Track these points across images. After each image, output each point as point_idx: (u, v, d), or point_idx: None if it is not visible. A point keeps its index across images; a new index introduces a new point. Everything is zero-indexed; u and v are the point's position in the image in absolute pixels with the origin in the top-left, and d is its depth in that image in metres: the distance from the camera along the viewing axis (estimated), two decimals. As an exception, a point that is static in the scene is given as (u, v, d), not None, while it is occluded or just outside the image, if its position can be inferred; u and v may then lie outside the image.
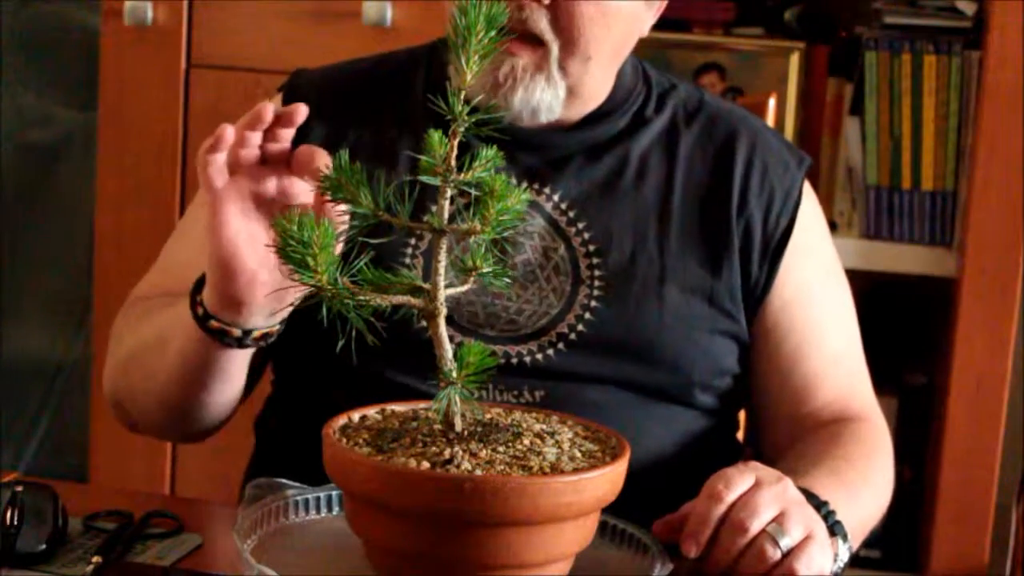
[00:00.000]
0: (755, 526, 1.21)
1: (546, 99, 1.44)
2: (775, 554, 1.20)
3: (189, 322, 1.34)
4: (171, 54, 2.47)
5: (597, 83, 1.50)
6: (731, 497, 1.22)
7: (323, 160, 1.28)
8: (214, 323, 1.33)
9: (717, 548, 1.21)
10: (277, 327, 1.36)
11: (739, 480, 1.24)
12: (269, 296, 1.29)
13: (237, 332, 1.33)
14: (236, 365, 1.39)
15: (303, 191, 1.29)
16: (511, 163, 1.47)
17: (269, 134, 1.30)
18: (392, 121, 1.52)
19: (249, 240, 1.29)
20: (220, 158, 1.27)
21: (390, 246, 1.39)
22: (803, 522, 1.23)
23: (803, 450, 1.48)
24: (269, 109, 1.28)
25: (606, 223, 1.49)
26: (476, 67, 1.11)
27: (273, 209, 1.29)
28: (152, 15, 2.45)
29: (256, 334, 1.34)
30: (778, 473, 1.27)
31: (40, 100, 2.90)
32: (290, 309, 1.30)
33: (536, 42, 1.43)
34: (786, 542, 1.21)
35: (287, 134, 1.30)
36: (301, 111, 1.29)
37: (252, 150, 1.29)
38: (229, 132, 1.26)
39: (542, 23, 1.42)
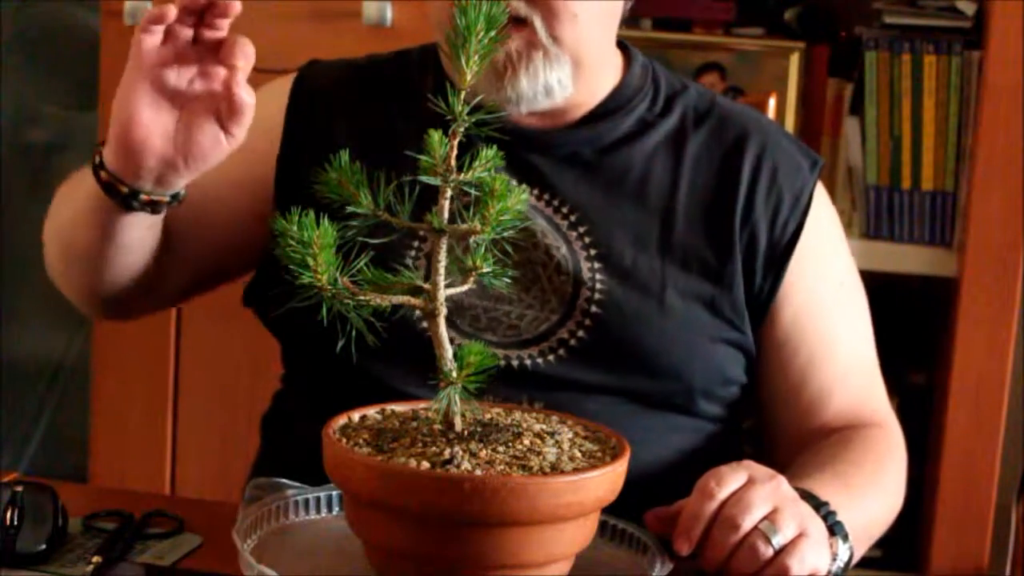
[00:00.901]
0: (747, 523, 1.20)
1: (554, 76, 1.44)
2: (767, 551, 1.20)
3: (90, 175, 1.37)
4: (171, 54, 2.46)
5: (597, 47, 1.48)
6: (723, 494, 1.22)
7: (247, 49, 1.29)
8: (104, 174, 1.35)
9: (709, 545, 1.21)
10: (167, 198, 1.37)
11: (731, 477, 1.23)
12: (157, 163, 1.32)
13: (124, 189, 1.35)
14: (129, 235, 1.40)
15: (218, 77, 1.31)
16: (514, 163, 1.47)
17: (206, 22, 1.31)
18: (403, 118, 1.52)
19: (152, 106, 1.30)
20: (157, 28, 1.29)
21: (393, 246, 1.39)
22: (796, 519, 1.22)
23: (811, 455, 1.47)
24: None
25: (608, 227, 1.48)
26: (476, 67, 1.11)
27: (187, 95, 1.31)
28: (152, 15, 2.44)
29: (143, 198, 1.35)
30: (771, 471, 1.26)
31: (40, 100, 2.90)
32: (182, 183, 1.35)
33: (520, 22, 1.42)
34: (778, 539, 1.20)
35: (223, 23, 1.32)
36: (234, 6, 1.30)
37: (186, 30, 1.31)
38: (172, 11, 1.29)
39: (512, 2, 1.41)
